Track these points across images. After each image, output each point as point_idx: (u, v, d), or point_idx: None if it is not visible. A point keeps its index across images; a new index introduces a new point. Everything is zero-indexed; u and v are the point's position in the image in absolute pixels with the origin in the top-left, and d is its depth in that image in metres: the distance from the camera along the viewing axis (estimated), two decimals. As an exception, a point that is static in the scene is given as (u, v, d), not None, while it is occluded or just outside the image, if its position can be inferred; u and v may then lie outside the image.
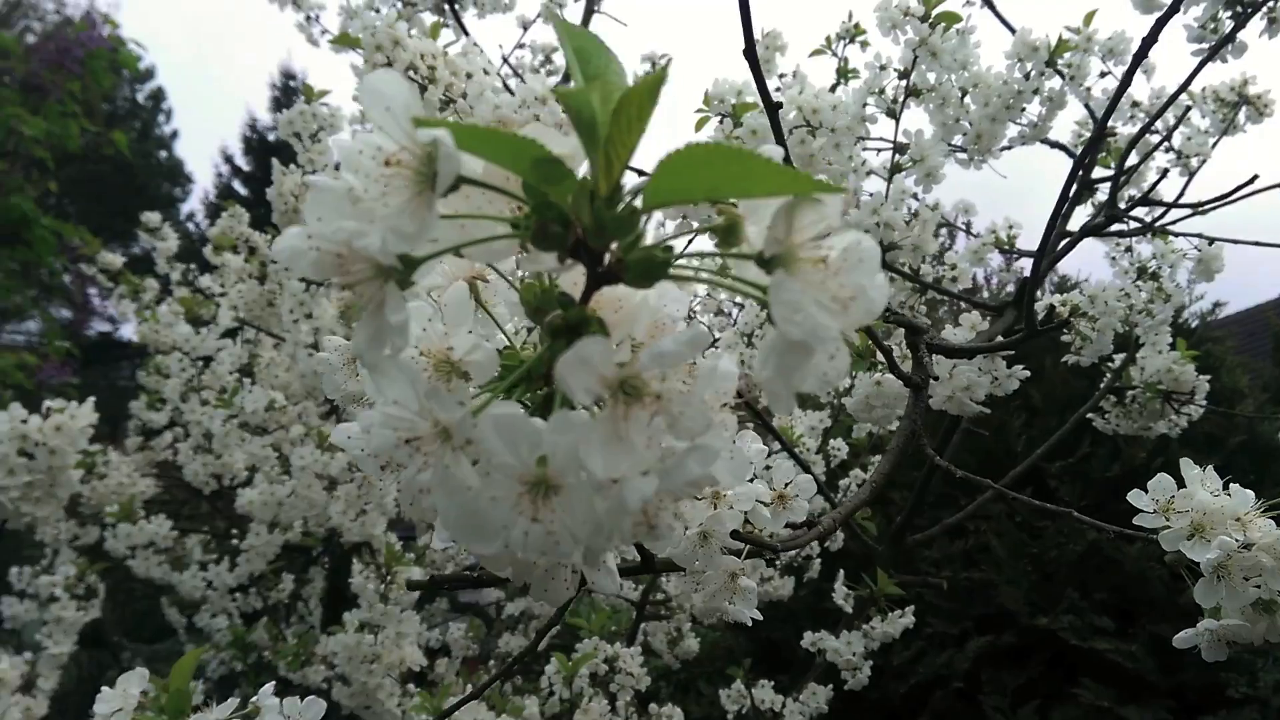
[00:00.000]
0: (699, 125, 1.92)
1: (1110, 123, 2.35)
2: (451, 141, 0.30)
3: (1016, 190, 2.81)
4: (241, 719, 0.95)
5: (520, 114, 1.65)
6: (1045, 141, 2.26)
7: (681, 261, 0.36)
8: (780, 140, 1.13)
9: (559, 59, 3.89)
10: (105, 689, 0.96)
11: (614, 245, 0.34)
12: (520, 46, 3.66)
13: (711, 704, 3.55)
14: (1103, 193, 2.16)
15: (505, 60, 3.63)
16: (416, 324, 0.38)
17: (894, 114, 1.77)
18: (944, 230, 2.83)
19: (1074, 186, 1.21)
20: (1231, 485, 0.78)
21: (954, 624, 4.89)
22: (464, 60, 1.74)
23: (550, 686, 2.20)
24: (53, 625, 2.41)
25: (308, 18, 3.40)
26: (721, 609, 0.84)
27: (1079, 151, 2.55)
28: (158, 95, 17.63)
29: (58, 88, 5.18)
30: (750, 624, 0.86)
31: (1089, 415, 2.37)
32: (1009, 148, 2.21)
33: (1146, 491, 0.79)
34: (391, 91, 0.32)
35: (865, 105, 1.75)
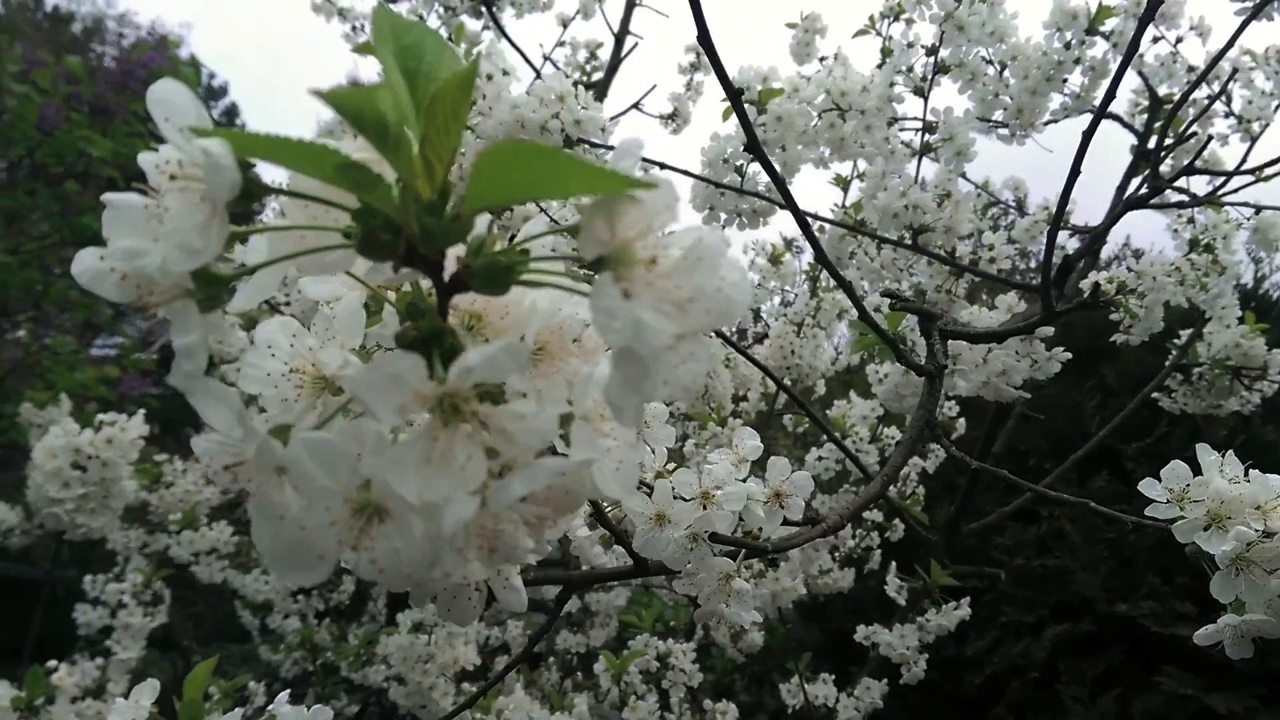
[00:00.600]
0: (725, 115, 1.88)
1: (1168, 89, 2.26)
2: (221, 151, 0.28)
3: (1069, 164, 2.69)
4: (255, 728, 0.96)
5: (539, 113, 1.64)
6: (1093, 112, 2.17)
7: (547, 265, 0.34)
8: (746, 127, 1.10)
9: (604, 54, 3.89)
10: (119, 700, 0.98)
11: (458, 251, 0.32)
12: (561, 44, 3.66)
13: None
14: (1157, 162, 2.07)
15: (547, 58, 3.64)
16: (284, 338, 0.36)
17: (922, 92, 1.72)
18: (993, 209, 2.74)
19: (1082, 157, 1.15)
20: (1252, 471, 0.73)
21: (1029, 612, 4.77)
22: (486, 63, 1.73)
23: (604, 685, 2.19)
24: (121, 631, 2.49)
25: (353, 28, 3.46)
26: (718, 612, 0.82)
27: (1135, 121, 2.45)
28: (231, 111, 18.11)
29: (123, 109, 5.34)
30: (750, 626, 0.83)
31: (1154, 395, 2.27)
32: (1054, 121, 2.13)
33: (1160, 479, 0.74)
34: (174, 100, 0.30)
35: (893, 85, 1.70)
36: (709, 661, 6.08)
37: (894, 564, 2.54)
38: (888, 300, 1.12)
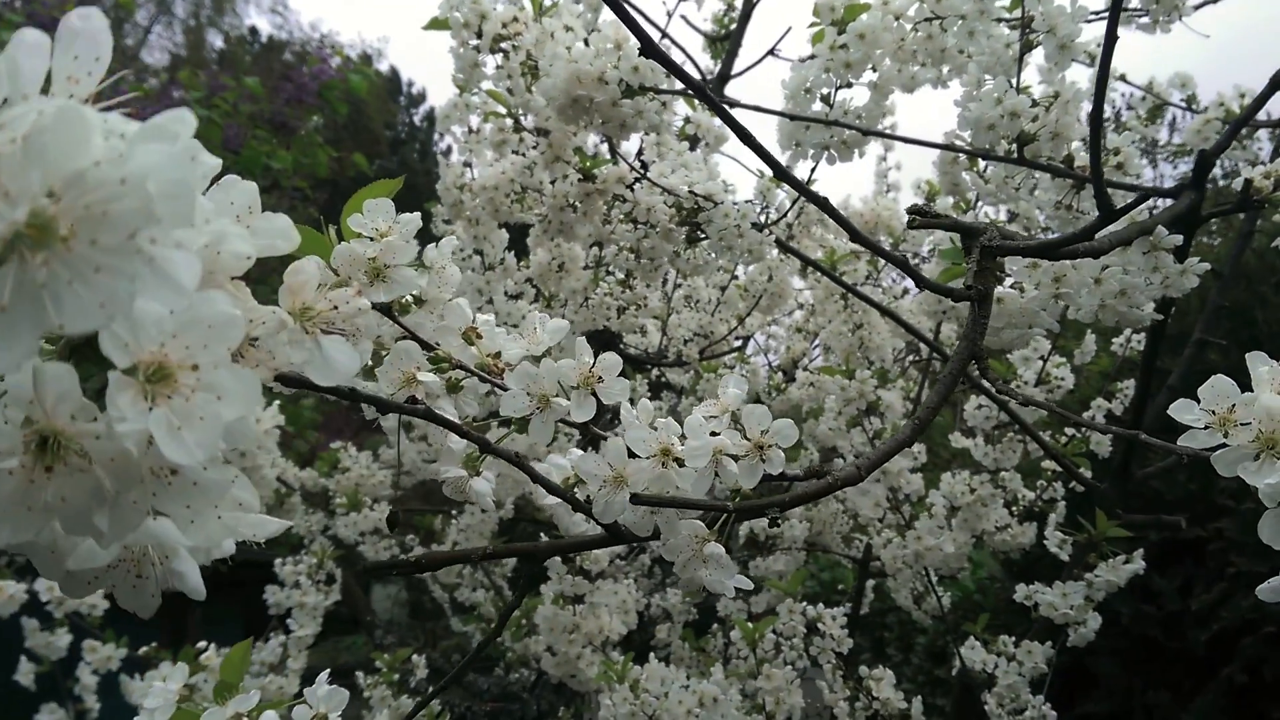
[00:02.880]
0: (815, 40, 1.74)
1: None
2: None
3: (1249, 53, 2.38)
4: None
5: (595, 64, 1.56)
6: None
7: None
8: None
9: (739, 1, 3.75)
10: (156, 684, 1.00)
11: None
12: None
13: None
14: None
15: (670, 14, 3.54)
16: None
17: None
18: (1165, 112, 2.43)
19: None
20: (1319, 384, 0.56)
21: (1263, 561, 4.28)
22: (549, 22, 1.68)
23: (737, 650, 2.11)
24: (298, 610, 2.64)
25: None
26: (696, 579, 0.73)
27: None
28: (431, 116, 19.01)
29: (300, 121, 5.66)
30: (734, 594, 0.74)
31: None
32: (1209, 1, 1.84)
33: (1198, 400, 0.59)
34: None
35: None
36: (926, 625, 5.88)
37: (1052, 516, 2.31)
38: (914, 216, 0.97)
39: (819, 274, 3.36)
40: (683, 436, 0.72)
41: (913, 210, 0.98)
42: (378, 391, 0.69)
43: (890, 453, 0.82)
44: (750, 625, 2.09)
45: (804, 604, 2.31)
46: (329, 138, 7.06)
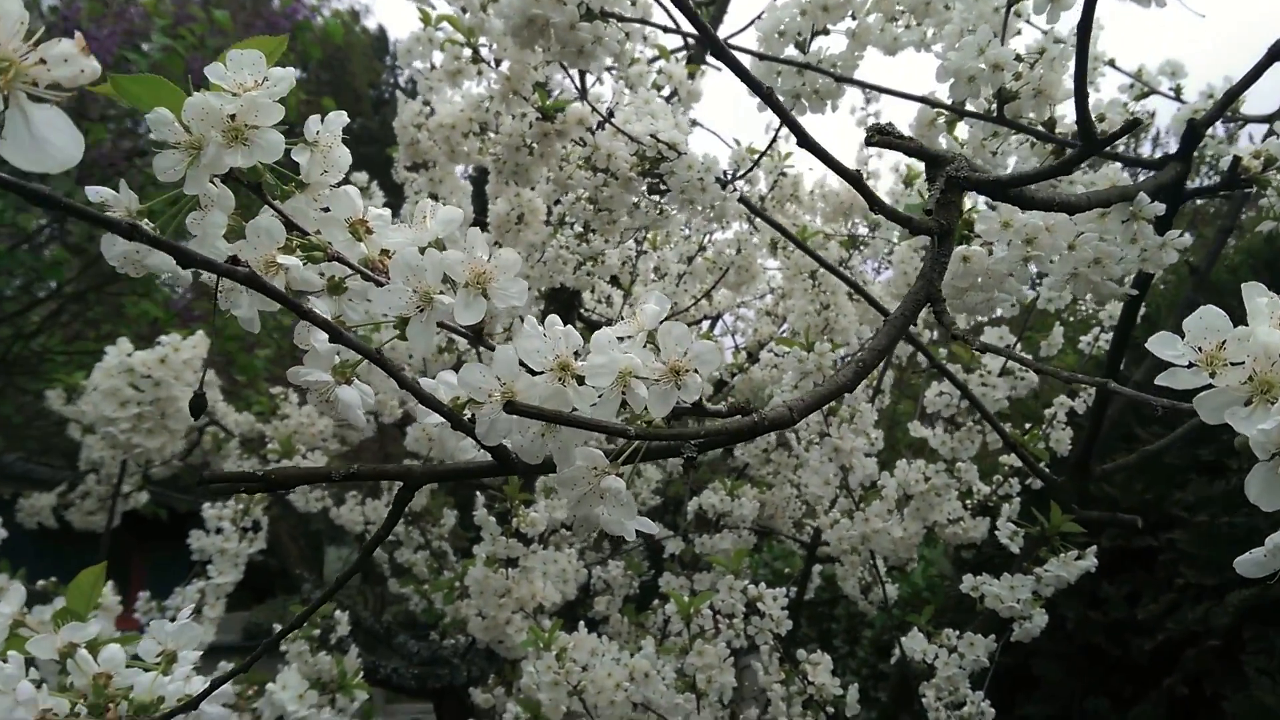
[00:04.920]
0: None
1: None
2: None
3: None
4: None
5: (557, -18, 1.45)
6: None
7: None
8: None
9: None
10: (-7, 607, 0.89)
11: None
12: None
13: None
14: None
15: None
16: None
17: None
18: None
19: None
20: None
21: (1211, 574, 4.30)
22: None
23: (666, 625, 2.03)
24: (218, 556, 2.52)
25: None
26: (592, 517, 0.63)
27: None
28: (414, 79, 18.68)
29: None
30: (634, 537, 0.64)
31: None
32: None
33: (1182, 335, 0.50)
34: None
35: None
36: (870, 616, 5.85)
37: (1006, 507, 2.24)
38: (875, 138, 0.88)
39: (789, 251, 3.27)
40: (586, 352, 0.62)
41: (874, 129, 0.88)
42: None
43: (827, 396, 0.72)
44: (686, 599, 2.00)
45: (745, 582, 2.23)
46: (311, 91, 6.85)
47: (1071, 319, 3.10)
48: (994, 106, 1.34)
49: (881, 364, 3.29)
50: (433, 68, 2.39)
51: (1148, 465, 3.17)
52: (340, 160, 0.71)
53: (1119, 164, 1.29)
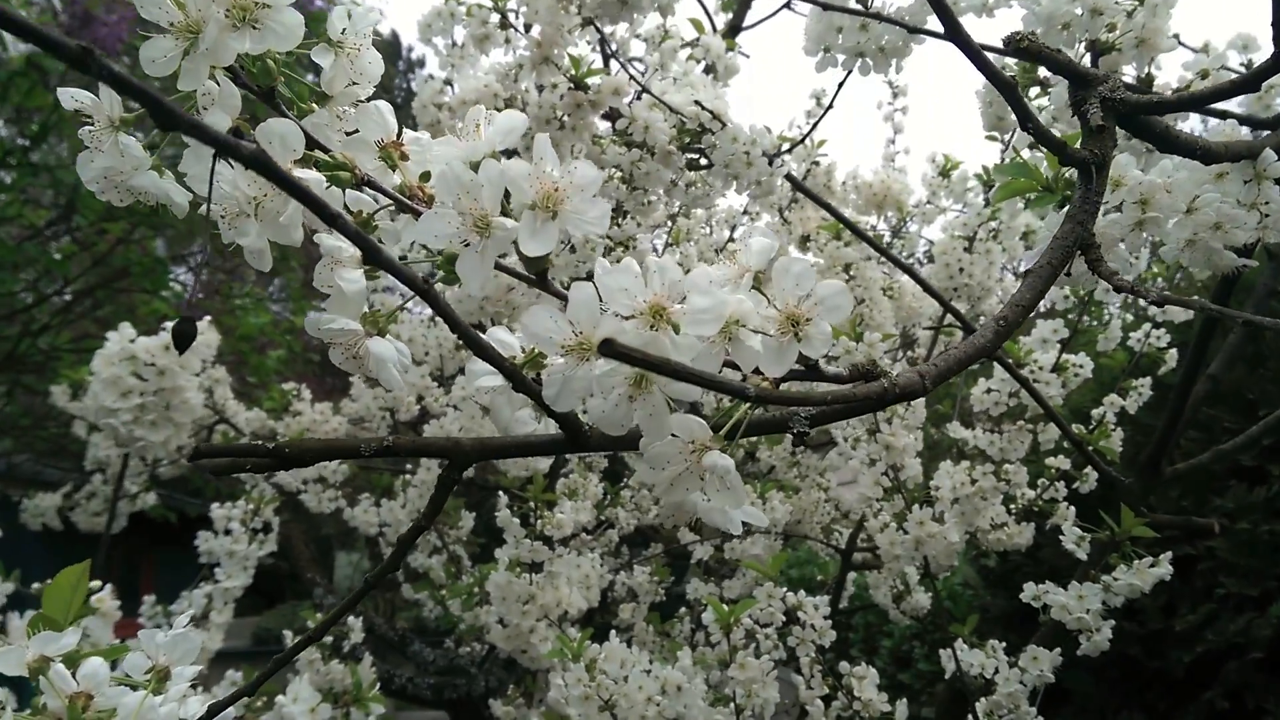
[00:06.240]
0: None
1: None
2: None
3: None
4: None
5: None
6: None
7: None
8: None
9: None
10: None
11: None
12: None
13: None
14: None
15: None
16: None
17: None
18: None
19: None
20: None
21: (1253, 584, 4.16)
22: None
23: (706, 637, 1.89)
24: (226, 559, 2.39)
25: None
26: (687, 505, 0.49)
27: None
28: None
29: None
30: (739, 530, 0.51)
31: None
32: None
33: None
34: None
35: None
36: (887, 626, 5.69)
37: (1071, 510, 2.09)
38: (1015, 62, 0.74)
39: (821, 245, 3.14)
40: (676, 295, 0.49)
41: (1014, 36, 0.74)
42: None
43: (965, 362, 0.58)
44: (726, 608, 1.86)
45: (784, 590, 2.09)
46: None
47: (1127, 316, 2.95)
48: (1086, 59, 1.21)
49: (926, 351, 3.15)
50: (454, 45, 2.27)
51: (1187, 471, 3.02)
52: (371, 69, 0.57)
53: (1234, 120, 1.15)
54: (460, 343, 2.61)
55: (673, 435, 0.48)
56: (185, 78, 0.48)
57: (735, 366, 0.52)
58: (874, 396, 0.55)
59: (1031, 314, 0.64)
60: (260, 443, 0.49)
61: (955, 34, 0.72)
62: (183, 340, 0.44)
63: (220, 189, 0.48)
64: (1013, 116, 1.54)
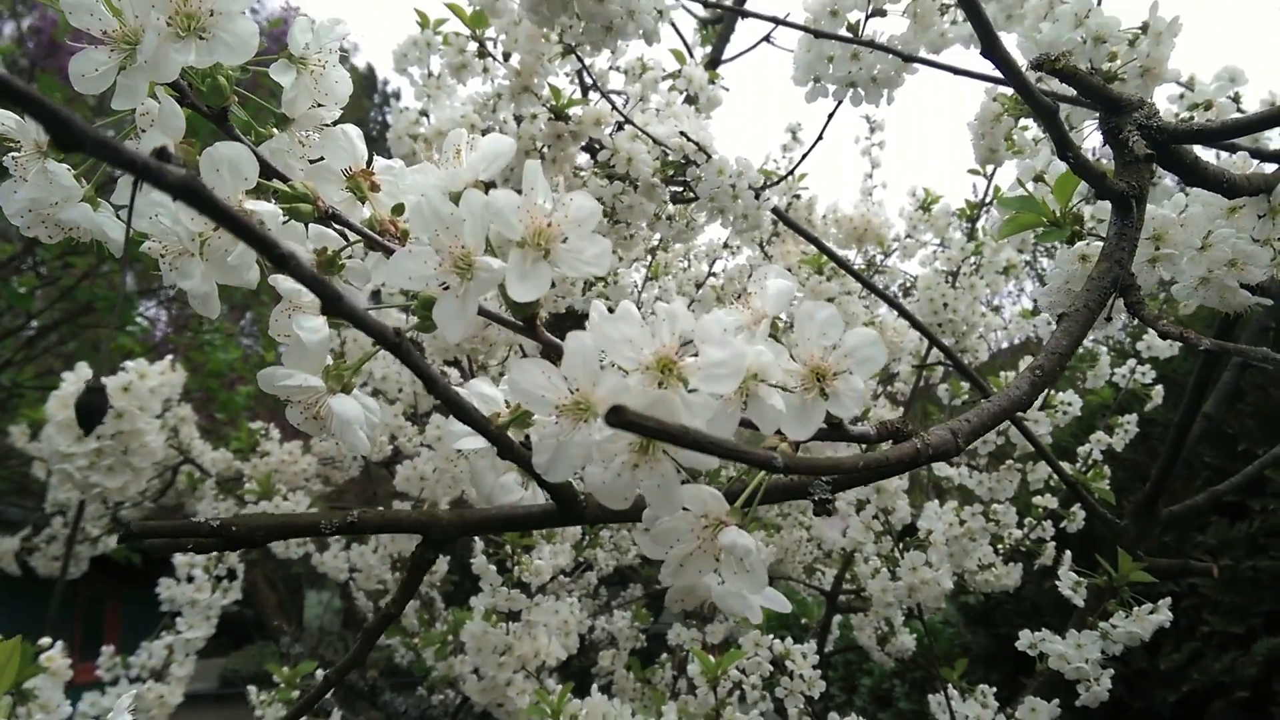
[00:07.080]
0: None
1: None
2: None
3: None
4: None
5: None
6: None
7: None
8: None
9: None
10: None
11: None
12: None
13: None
14: None
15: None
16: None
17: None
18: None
19: None
20: None
21: (1237, 622, 4.13)
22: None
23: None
24: (188, 609, 2.28)
25: None
26: (700, 589, 0.43)
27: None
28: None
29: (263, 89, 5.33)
30: (759, 618, 0.44)
31: None
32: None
33: None
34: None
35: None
36: (867, 664, 5.60)
37: (1068, 554, 2.03)
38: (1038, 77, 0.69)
39: (804, 279, 3.09)
40: (686, 345, 0.42)
41: (1042, 58, 0.69)
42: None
43: (1000, 417, 0.52)
44: (712, 660, 1.78)
45: (771, 638, 2.02)
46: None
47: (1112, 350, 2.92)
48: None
49: (909, 391, 3.10)
50: (430, 75, 2.21)
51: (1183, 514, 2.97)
52: (337, 89, 0.51)
53: (1245, 153, 1.11)
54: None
55: (684, 509, 0.42)
56: (121, 94, 0.42)
57: (750, 424, 0.46)
58: (907, 459, 0.48)
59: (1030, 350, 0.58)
60: (203, 520, 0.42)
61: (993, 51, 0.67)
62: (88, 415, 0.37)
63: (160, 223, 0.41)
64: (1004, 149, 1.50)
